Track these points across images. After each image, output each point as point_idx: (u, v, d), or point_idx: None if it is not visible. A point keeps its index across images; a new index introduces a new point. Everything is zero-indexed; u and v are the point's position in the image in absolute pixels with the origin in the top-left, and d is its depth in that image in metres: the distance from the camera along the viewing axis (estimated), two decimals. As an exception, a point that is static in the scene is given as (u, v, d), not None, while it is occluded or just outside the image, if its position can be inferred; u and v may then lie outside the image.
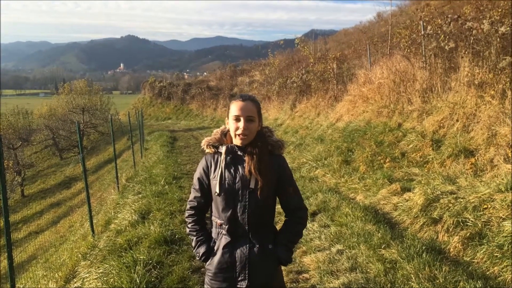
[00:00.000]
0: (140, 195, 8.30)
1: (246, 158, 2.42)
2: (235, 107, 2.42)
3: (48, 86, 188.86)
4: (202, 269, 4.70)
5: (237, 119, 2.40)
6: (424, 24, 9.70)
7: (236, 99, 2.46)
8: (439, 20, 9.38)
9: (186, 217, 2.63)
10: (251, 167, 2.39)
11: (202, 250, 2.52)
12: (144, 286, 4.24)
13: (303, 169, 9.47)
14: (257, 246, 2.46)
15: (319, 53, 19.62)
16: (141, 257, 4.82)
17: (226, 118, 2.51)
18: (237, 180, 2.42)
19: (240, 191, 2.42)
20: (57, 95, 38.27)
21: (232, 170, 2.44)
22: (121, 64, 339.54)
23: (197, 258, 2.60)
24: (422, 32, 9.48)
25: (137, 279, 4.31)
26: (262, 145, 2.46)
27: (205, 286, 2.57)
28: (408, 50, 10.15)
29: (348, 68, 14.54)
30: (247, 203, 2.41)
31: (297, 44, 21.66)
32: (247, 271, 2.43)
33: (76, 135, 22.10)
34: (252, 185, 2.40)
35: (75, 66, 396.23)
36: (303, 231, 2.73)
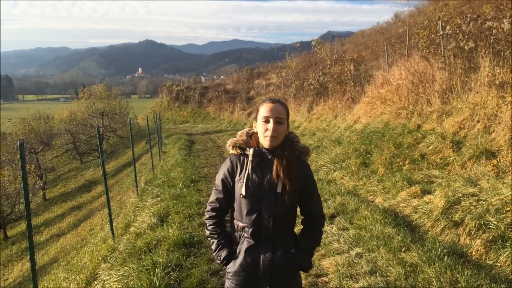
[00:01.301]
0: (158, 198, 8.37)
1: (275, 162, 2.40)
2: (264, 109, 2.41)
3: (68, 91, 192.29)
4: (221, 272, 4.72)
5: (266, 120, 2.38)
6: (443, 24, 9.58)
7: (266, 102, 2.45)
8: (458, 20, 9.25)
9: (206, 219, 2.59)
10: (279, 171, 2.37)
11: (223, 253, 2.49)
12: (164, 289, 4.27)
13: (321, 172, 9.43)
14: (280, 250, 2.44)
15: (335, 55, 19.53)
16: (160, 259, 4.86)
17: (254, 122, 2.51)
18: (264, 184, 2.39)
19: (266, 195, 2.39)
20: (77, 99, 38.85)
21: (259, 173, 2.41)
22: (139, 69, 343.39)
23: (218, 262, 2.57)
24: (441, 32, 9.36)
25: (156, 281, 4.34)
26: (291, 150, 2.44)
27: None
28: (427, 51, 10.03)
29: (365, 70, 14.45)
30: (273, 207, 2.39)
31: (314, 46, 21.58)
32: (269, 276, 2.41)
33: (96, 139, 22.42)
34: (279, 189, 2.38)
35: (94, 71, 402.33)
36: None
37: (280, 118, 2.38)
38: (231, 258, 2.48)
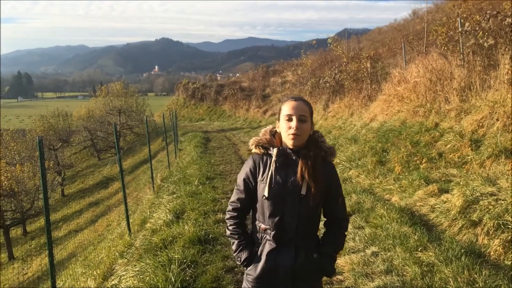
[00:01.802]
0: (174, 195, 8.43)
1: (300, 162, 2.30)
2: (287, 107, 2.32)
3: (86, 88, 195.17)
4: (236, 269, 4.74)
5: (289, 118, 2.29)
6: (462, 20, 9.43)
7: (288, 99, 2.36)
8: (478, 17, 9.09)
9: (227, 219, 2.51)
10: (304, 172, 2.27)
11: (244, 255, 2.42)
12: (179, 285, 4.30)
13: (337, 170, 9.37)
14: (303, 254, 2.35)
15: (352, 53, 19.39)
16: (176, 256, 4.89)
17: (277, 121, 2.41)
18: (288, 185, 2.30)
19: (290, 197, 2.30)
20: (94, 97, 39.35)
21: (283, 174, 2.31)
22: (156, 66, 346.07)
23: (238, 263, 2.49)
24: (460, 29, 9.22)
25: (172, 277, 4.38)
26: (316, 150, 2.35)
27: None
28: (445, 48, 9.89)
29: (382, 67, 14.31)
30: (297, 209, 2.30)
31: (330, 43, 21.48)
32: (291, 281, 2.34)
33: (113, 136, 22.69)
34: (303, 191, 2.28)
35: (111, 69, 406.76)
36: None
37: (303, 116, 2.29)
38: (252, 260, 2.41)
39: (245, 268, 2.47)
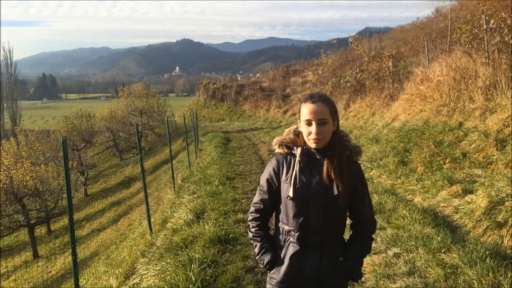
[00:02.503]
0: (195, 195, 8.48)
1: (325, 162, 2.24)
2: (305, 111, 2.24)
3: (108, 90, 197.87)
4: (256, 269, 4.73)
5: (308, 123, 2.23)
6: (487, 18, 9.23)
7: (306, 101, 2.26)
8: (503, 14, 8.90)
9: (250, 220, 2.45)
10: (330, 172, 2.22)
11: (267, 258, 2.36)
12: (199, 284, 4.31)
13: (358, 170, 9.28)
14: (328, 258, 2.29)
15: (373, 51, 19.18)
16: (196, 255, 4.91)
17: (299, 121, 2.34)
18: (312, 185, 2.24)
19: (315, 197, 2.24)
20: (117, 98, 39.72)
21: (307, 174, 2.26)
22: (177, 67, 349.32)
23: (261, 266, 2.44)
24: (485, 27, 9.03)
25: (192, 277, 4.40)
26: (341, 149, 2.29)
27: None
28: (470, 46, 9.70)
29: (404, 66, 14.12)
30: (322, 210, 2.24)
31: (351, 42, 21.27)
32: (315, 284, 2.29)
33: (134, 136, 22.95)
34: (329, 192, 2.23)
35: (133, 70, 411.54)
36: None
37: (322, 119, 2.21)
38: (275, 263, 2.35)
39: (268, 271, 2.41)
